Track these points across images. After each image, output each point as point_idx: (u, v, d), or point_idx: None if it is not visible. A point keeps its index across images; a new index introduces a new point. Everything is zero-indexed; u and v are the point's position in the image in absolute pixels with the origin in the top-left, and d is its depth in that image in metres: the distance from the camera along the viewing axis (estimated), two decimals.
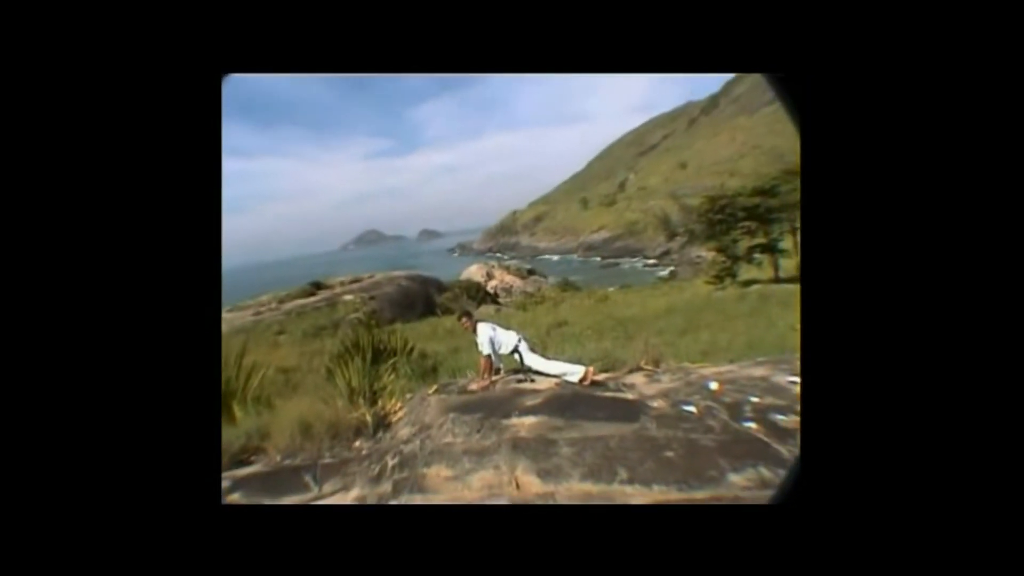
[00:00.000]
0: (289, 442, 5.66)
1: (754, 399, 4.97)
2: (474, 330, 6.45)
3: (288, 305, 32.57)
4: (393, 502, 4.17)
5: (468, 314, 6.85)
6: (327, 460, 5.35)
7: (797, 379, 5.34)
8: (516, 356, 6.40)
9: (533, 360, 6.32)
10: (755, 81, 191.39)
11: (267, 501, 4.65)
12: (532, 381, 6.12)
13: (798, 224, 33.88)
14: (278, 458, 5.54)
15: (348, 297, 32.83)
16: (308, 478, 5.01)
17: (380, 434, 5.80)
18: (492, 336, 6.35)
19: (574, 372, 6.05)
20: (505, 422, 4.81)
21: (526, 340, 6.51)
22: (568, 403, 5.16)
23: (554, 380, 6.05)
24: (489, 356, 6.31)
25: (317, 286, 36.90)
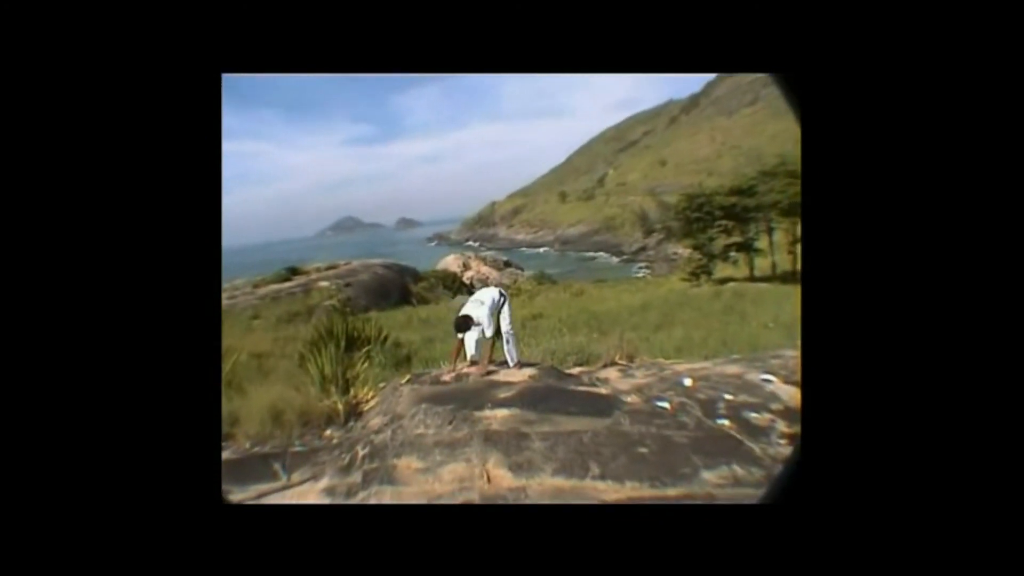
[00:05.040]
0: (259, 429, 5.59)
1: (728, 396, 4.99)
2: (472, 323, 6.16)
3: (263, 290, 32.19)
4: (362, 493, 4.13)
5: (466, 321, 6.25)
6: (297, 448, 5.30)
7: (771, 377, 5.37)
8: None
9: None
10: (735, 83, 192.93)
11: (234, 488, 4.58)
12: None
13: (774, 224, 34.33)
14: (247, 445, 5.47)
15: (323, 284, 32.51)
16: (277, 466, 4.96)
17: (351, 423, 5.76)
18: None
19: (512, 356, 6.30)
20: (477, 414, 4.77)
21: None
22: (541, 396, 5.13)
23: (527, 373, 6.01)
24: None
25: (292, 272, 36.54)
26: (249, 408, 5.82)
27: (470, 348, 6.26)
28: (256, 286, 33.51)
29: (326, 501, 4.30)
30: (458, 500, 3.76)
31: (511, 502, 3.66)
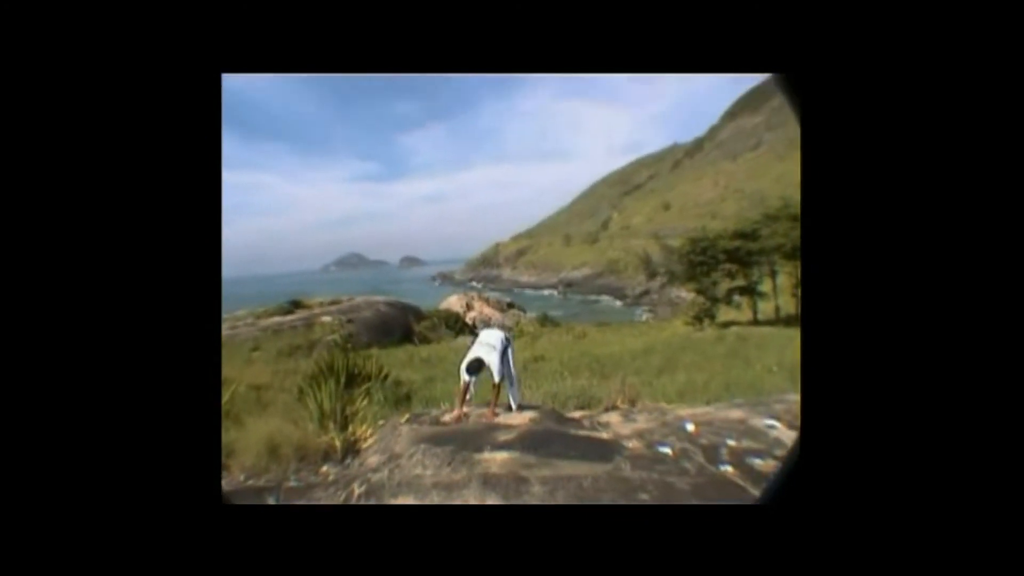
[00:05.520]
0: (255, 461, 5.52)
1: (731, 442, 4.92)
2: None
3: (265, 322, 32.21)
4: None
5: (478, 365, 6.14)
6: (292, 483, 5.21)
7: (775, 422, 5.30)
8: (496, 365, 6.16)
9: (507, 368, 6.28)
10: (738, 127, 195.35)
11: None
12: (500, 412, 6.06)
13: (777, 267, 34.36)
14: (241, 477, 5.40)
15: (326, 318, 32.51)
16: (271, 500, 4.87)
17: (348, 460, 5.68)
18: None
19: (515, 399, 6.30)
20: (477, 456, 4.70)
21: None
22: (542, 440, 5.06)
23: (528, 416, 5.94)
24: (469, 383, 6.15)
25: (295, 305, 36.59)
26: (246, 440, 5.75)
27: (468, 392, 6.25)
28: (258, 317, 33.58)
29: None
30: None
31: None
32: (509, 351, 6.31)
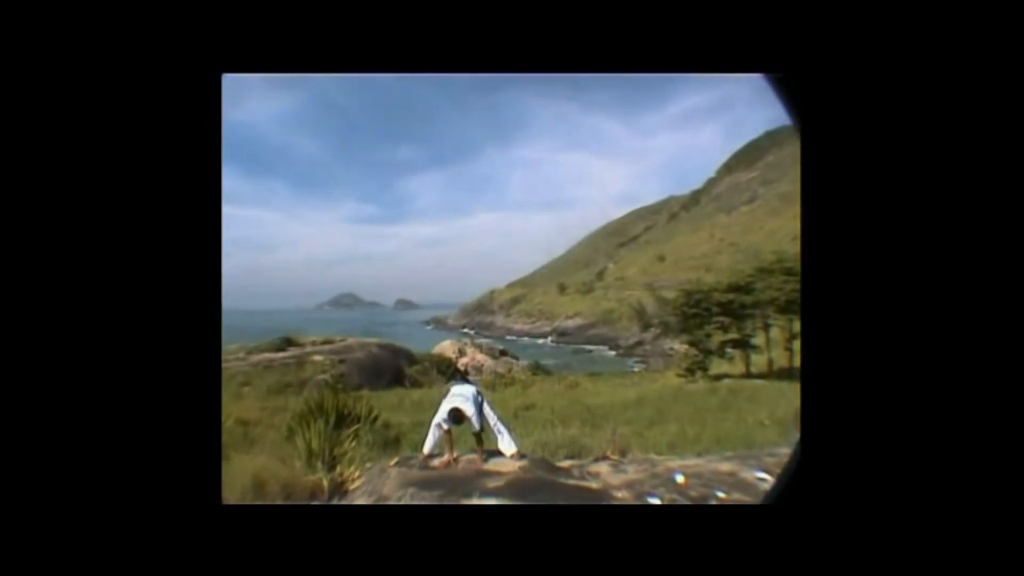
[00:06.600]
0: (240, 498, 5.44)
1: (720, 494, 4.89)
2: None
3: (256, 357, 32.07)
4: None
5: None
6: None
7: (765, 475, 5.28)
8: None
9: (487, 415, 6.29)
10: (734, 181, 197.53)
11: None
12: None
13: (771, 321, 34.37)
14: None
15: (318, 357, 32.37)
16: None
17: (336, 501, 5.61)
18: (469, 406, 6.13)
19: (508, 447, 6.20)
20: (465, 503, 4.66)
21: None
22: (531, 488, 5.01)
23: (518, 464, 5.90)
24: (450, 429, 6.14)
25: (288, 342, 36.48)
26: (232, 476, 5.68)
27: (429, 442, 6.30)
28: (249, 352, 33.39)
29: None
30: None
31: None
32: (484, 403, 6.33)
